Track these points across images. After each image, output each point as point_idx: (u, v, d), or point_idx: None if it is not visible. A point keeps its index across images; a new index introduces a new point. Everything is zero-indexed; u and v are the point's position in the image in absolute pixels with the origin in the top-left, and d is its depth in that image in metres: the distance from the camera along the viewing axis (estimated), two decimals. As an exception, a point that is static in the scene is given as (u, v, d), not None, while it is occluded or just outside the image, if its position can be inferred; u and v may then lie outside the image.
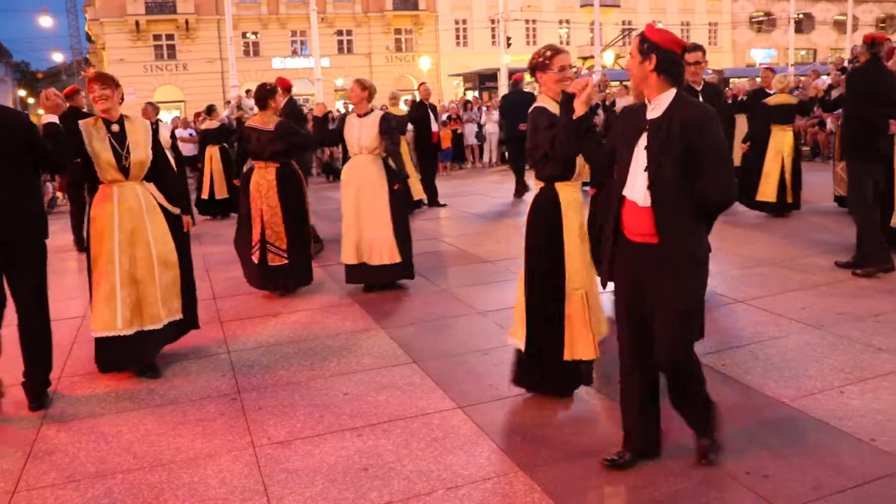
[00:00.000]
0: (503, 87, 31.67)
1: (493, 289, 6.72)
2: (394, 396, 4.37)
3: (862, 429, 3.69)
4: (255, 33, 42.60)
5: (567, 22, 47.10)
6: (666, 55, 3.07)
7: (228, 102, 23.18)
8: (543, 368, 4.11)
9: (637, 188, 3.18)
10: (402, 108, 12.55)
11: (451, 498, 3.24)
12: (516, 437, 3.78)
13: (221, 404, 4.41)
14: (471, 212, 11.61)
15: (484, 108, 20.31)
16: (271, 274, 6.77)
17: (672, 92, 3.13)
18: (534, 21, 45.64)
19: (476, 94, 31.84)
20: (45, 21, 47.61)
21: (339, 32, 43.70)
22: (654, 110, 3.16)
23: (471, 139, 19.59)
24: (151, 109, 10.94)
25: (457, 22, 45.30)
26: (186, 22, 40.79)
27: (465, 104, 21.42)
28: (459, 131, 19.44)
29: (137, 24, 39.96)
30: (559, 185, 4.04)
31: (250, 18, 41.78)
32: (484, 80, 35.12)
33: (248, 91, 26.79)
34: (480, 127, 19.57)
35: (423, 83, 13.32)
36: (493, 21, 40.34)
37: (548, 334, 4.05)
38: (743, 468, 3.35)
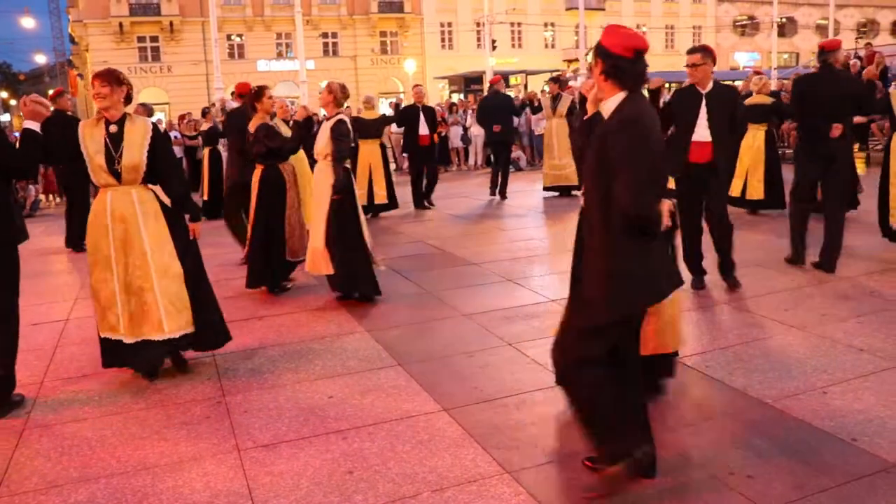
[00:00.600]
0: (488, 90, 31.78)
1: (477, 291, 6.72)
2: (379, 399, 4.37)
3: (843, 429, 3.72)
4: (239, 35, 42.47)
5: (552, 25, 47.26)
6: (611, 60, 3.04)
7: (213, 105, 23.12)
8: None
9: (581, 193, 3.24)
10: (378, 112, 12.52)
11: (436, 500, 3.24)
12: (501, 440, 3.78)
13: (206, 407, 4.39)
14: (456, 214, 11.62)
15: (469, 111, 20.31)
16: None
17: (620, 96, 3.07)
18: (519, 24, 45.78)
19: (461, 96, 31.87)
20: (28, 22, 47.27)
21: (325, 35, 43.64)
22: (605, 114, 3.14)
23: (456, 142, 19.60)
24: (143, 111, 10.76)
25: (442, 25, 45.35)
26: (171, 24, 40.63)
27: (451, 107, 21.42)
28: (444, 134, 19.42)
29: (121, 25, 39.75)
30: None
31: (235, 20, 41.66)
32: (469, 82, 35.17)
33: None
34: (466, 129, 19.58)
35: (417, 85, 13.28)
36: (478, 24, 40.53)
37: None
38: (727, 469, 3.37)
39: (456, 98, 30.07)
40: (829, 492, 3.18)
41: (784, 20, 47.11)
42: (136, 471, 3.64)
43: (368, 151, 11.37)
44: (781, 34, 44.52)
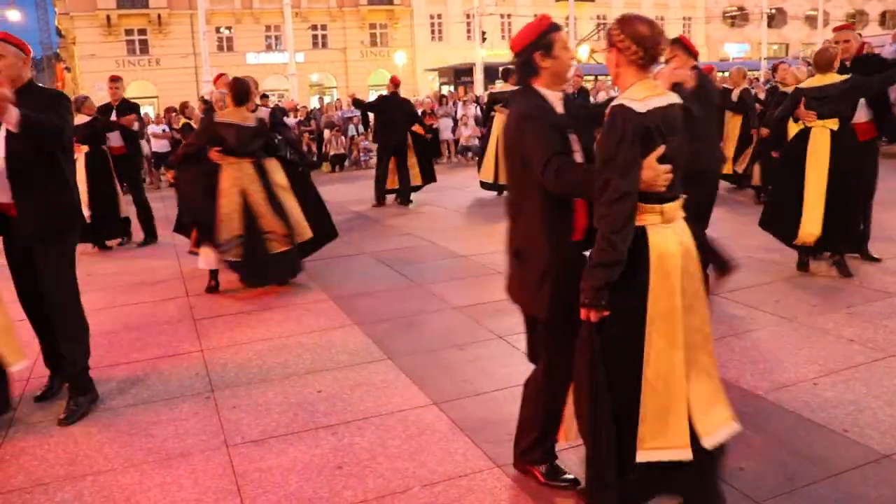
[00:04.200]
0: (479, 82, 31.69)
1: (467, 284, 6.70)
2: (368, 393, 4.34)
3: (835, 420, 3.72)
4: (228, 28, 42.21)
5: (542, 16, 47.16)
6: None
7: (202, 98, 22.98)
8: None
9: None
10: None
11: (426, 495, 3.22)
12: (492, 434, 3.75)
13: (194, 403, 4.35)
14: (445, 207, 11.58)
15: (460, 103, 20.26)
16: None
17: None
18: (509, 15, 45.64)
19: (451, 88, 31.79)
20: (14, 15, 46.62)
21: (314, 27, 43.43)
22: None
23: (446, 134, 19.53)
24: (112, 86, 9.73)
25: (432, 16, 45.19)
26: (159, 16, 40.33)
27: (441, 99, 21.36)
28: (435, 126, 19.38)
29: (108, 18, 39.43)
30: None
31: (224, 13, 41.40)
32: (459, 74, 35.12)
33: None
34: (456, 121, 19.52)
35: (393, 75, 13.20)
36: (468, 15, 40.42)
37: None
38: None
39: (446, 90, 29.97)
40: (821, 483, 3.17)
41: (773, 11, 47.17)
42: (123, 468, 3.60)
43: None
44: (771, 25, 44.58)
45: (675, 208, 2.77)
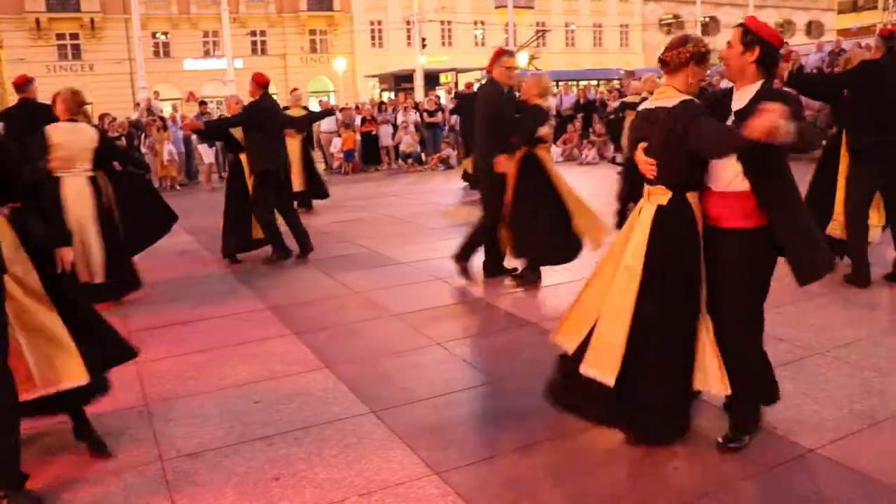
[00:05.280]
0: (419, 88, 31.75)
1: (406, 291, 6.70)
2: (306, 403, 4.30)
3: (763, 417, 3.81)
4: (165, 33, 41.42)
5: (482, 23, 47.46)
6: (768, 48, 3.29)
7: (138, 105, 22.54)
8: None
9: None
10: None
11: (363, 504, 3.21)
12: (430, 440, 3.76)
13: (127, 418, 4.25)
14: (385, 214, 11.56)
15: (401, 109, 20.26)
16: None
17: (759, 83, 3.32)
18: (449, 22, 45.84)
19: (392, 95, 31.79)
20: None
21: (253, 33, 42.93)
22: (740, 100, 3.35)
23: (386, 140, 19.50)
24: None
25: (372, 23, 45.12)
26: (91, 20, 39.34)
27: (380, 105, 21.32)
28: (374, 133, 19.34)
29: (38, 21, 38.30)
30: None
31: (159, 18, 40.62)
32: (399, 80, 35.10)
33: (155, 93, 26.19)
34: (395, 128, 19.50)
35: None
36: (408, 22, 40.46)
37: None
38: (652, 461, 3.42)
39: (386, 97, 29.97)
40: (750, 480, 3.26)
41: (707, 19, 48.39)
42: (53, 485, 3.50)
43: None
44: (705, 32, 45.70)
45: (652, 192, 3.48)
